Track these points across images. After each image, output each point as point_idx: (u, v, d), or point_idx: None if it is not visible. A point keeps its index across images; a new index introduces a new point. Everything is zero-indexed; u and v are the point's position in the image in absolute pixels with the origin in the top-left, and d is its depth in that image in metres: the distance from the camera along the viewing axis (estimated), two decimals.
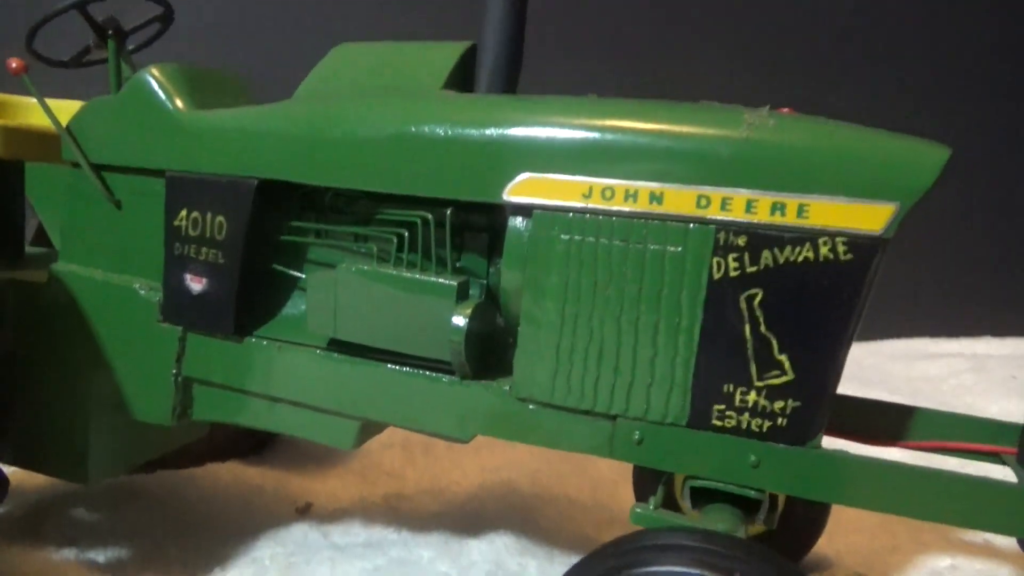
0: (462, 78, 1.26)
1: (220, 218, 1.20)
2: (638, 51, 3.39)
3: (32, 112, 1.62)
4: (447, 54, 1.26)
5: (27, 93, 1.41)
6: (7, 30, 1.57)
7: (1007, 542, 1.55)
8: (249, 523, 1.62)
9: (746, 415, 0.99)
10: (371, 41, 1.34)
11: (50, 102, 1.29)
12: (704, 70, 3.39)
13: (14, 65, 1.23)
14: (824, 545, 1.52)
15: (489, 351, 1.14)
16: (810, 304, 0.95)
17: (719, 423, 1.00)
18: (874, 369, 3.29)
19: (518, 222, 1.08)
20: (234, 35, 3.12)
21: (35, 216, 1.73)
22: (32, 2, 1.40)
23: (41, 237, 1.77)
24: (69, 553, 1.47)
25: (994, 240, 3.81)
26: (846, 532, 1.62)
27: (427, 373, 1.14)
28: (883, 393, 2.85)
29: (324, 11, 3.23)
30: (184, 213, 1.23)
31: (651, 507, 1.02)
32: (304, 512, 1.70)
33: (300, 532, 1.58)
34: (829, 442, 1.22)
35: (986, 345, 3.68)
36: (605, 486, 1.86)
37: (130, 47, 1.45)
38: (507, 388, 1.10)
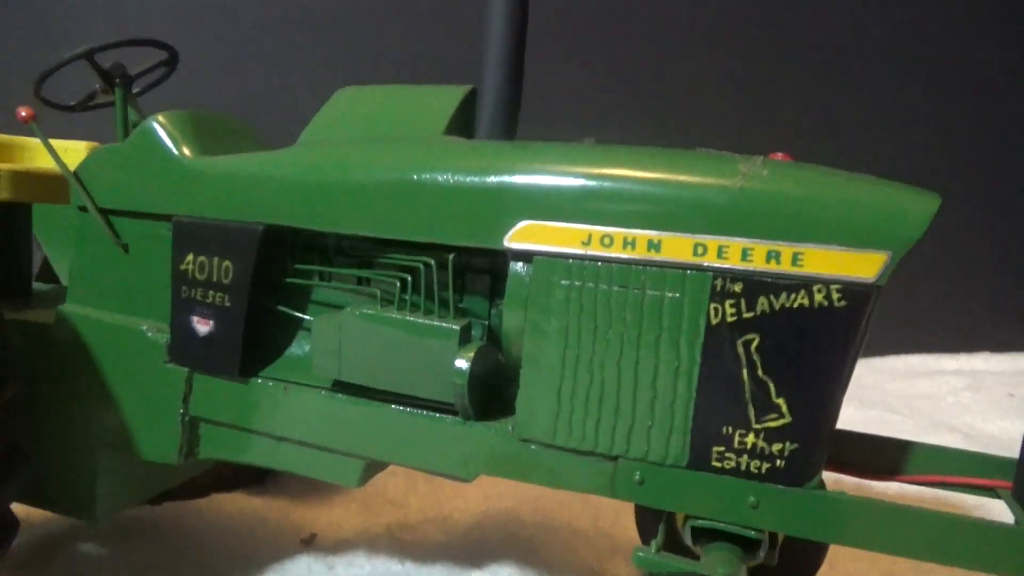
0: (464, 122, 1.29)
1: (227, 263, 1.23)
2: (636, 82, 3.43)
3: (38, 153, 1.65)
4: (448, 98, 1.29)
5: (30, 134, 1.44)
6: (7, 71, 1.60)
7: None
8: (254, 555, 1.63)
9: (745, 457, 1.01)
10: (374, 85, 1.37)
11: (54, 142, 1.32)
12: (703, 101, 3.43)
13: (23, 114, 1.25)
14: (826, 573, 1.53)
15: (492, 391, 1.17)
16: (806, 349, 0.97)
17: (718, 464, 1.02)
18: (873, 388, 3.31)
19: (519, 267, 1.10)
20: (238, 77, 3.16)
21: (40, 250, 1.76)
22: (31, 49, 1.43)
23: (46, 271, 1.79)
24: None
25: (992, 255, 3.84)
26: (846, 560, 1.63)
27: (431, 414, 1.16)
28: (882, 412, 2.88)
29: (327, 54, 3.27)
30: (191, 257, 1.25)
31: (652, 550, 1.04)
32: (308, 543, 1.71)
33: (304, 565, 1.60)
34: (828, 475, 1.24)
35: (984, 361, 3.70)
36: (607, 514, 1.87)
37: (135, 90, 1.47)
38: (510, 429, 1.12)
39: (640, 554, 1.02)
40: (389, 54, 3.28)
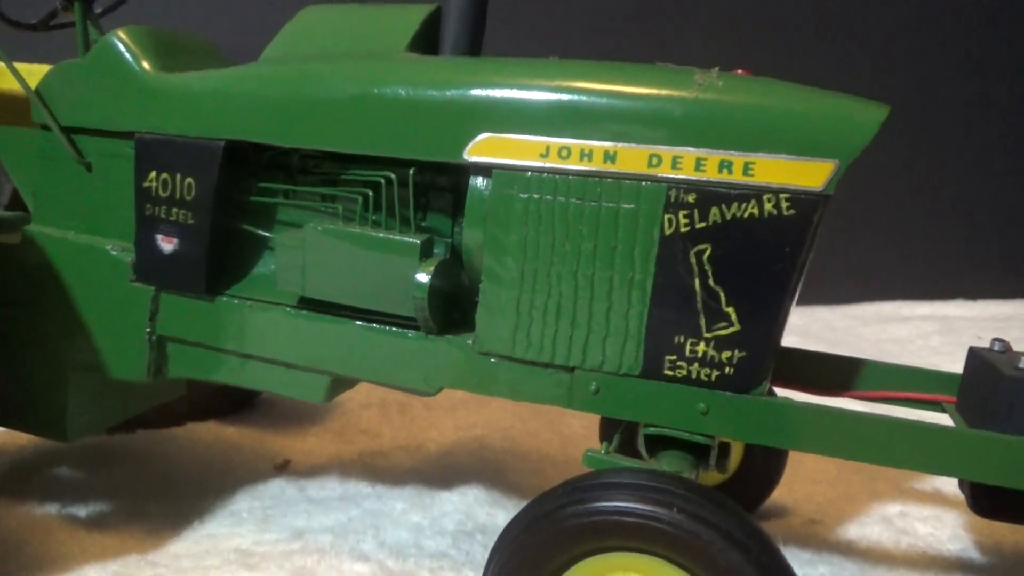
0: (426, 41, 1.28)
1: (189, 179, 1.23)
2: (606, 12, 3.38)
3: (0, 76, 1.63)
4: (411, 17, 1.28)
5: None
6: None
7: (954, 490, 1.62)
8: (228, 479, 1.67)
9: (696, 365, 1.04)
10: (337, 3, 1.35)
11: (18, 66, 1.30)
12: (675, 34, 3.39)
13: None
14: (783, 494, 1.59)
15: (453, 308, 1.18)
16: (756, 258, 0.99)
17: (670, 373, 1.05)
18: (846, 332, 3.36)
19: (479, 182, 1.11)
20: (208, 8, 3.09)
21: (10, 182, 1.74)
22: None
23: (16, 203, 1.78)
24: (51, 508, 1.51)
25: (966, 203, 3.86)
26: (804, 483, 1.68)
27: (393, 329, 1.18)
28: (850, 353, 2.93)
29: None
30: (154, 175, 1.25)
31: (603, 452, 1.07)
32: (282, 469, 1.75)
33: (277, 487, 1.63)
34: (779, 393, 1.28)
35: (957, 308, 3.75)
36: (575, 441, 1.91)
37: (97, 11, 1.45)
38: (470, 343, 1.14)
39: (590, 454, 1.05)
40: None
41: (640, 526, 0.84)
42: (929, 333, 3.27)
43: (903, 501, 1.59)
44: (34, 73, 1.50)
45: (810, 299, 3.63)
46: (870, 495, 1.62)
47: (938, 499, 1.61)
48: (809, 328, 3.34)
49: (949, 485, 1.65)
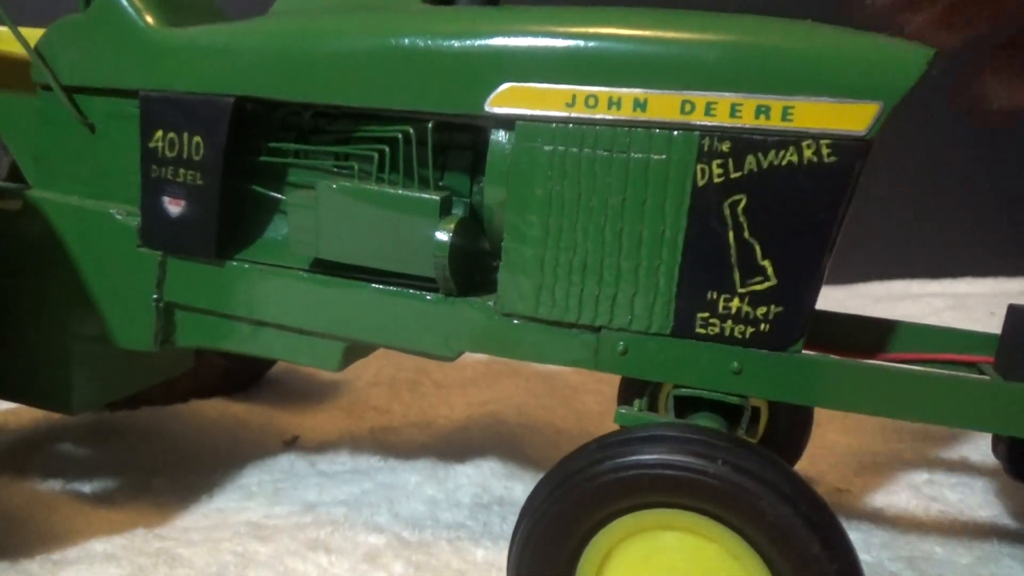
0: None
1: (197, 138, 1.18)
2: None
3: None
4: None
5: None
6: None
7: (982, 458, 1.59)
8: (236, 454, 1.63)
9: (729, 322, 0.99)
10: None
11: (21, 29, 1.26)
12: None
13: None
14: (807, 465, 1.55)
15: (474, 270, 1.14)
16: (794, 208, 0.95)
17: (702, 331, 1.00)
18: (857, 310, 3.31)
19: (500, 135, 1.07)
20: None
21: (8, 155, 1.69)
22: None
23: (14, 175, 1.73)
24: (55, 484, 1.47)
25: (977, 181, 3.83)
26: (827, 452, 1.65)
27: (412, 291, 1.13)
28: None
29: None
30: (160, 134, 1.20)
31: (635, 409, 1.03)
32: (291, 444, 1.71)
33: (287, 462, 1.59)
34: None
35: (967, 285, 3.72)
36: (591, 417, 1.88)
37: None
38: (492, 304, 1.10)
39: (623, 411, 1.01)
40: None
41: (683, 479, 0.80)
42: (941, 310, 3.24)
43: (930, 469, 1.55)
44: (33, 35, 1.45)
45: None
46: (896, 464, 1.58)
47: (966, 466, 1.58)
48: (821, 308, 3.31)
49: (976, 453, 1.61)
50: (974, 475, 1.53)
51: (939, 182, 3.77)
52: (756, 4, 1.14)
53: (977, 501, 1.43)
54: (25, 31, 1.33)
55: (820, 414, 1.52)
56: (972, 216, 3.85)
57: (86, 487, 1.48)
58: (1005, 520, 1.38)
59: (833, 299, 3.79)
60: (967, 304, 3.28)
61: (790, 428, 1.42)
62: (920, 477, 1.52)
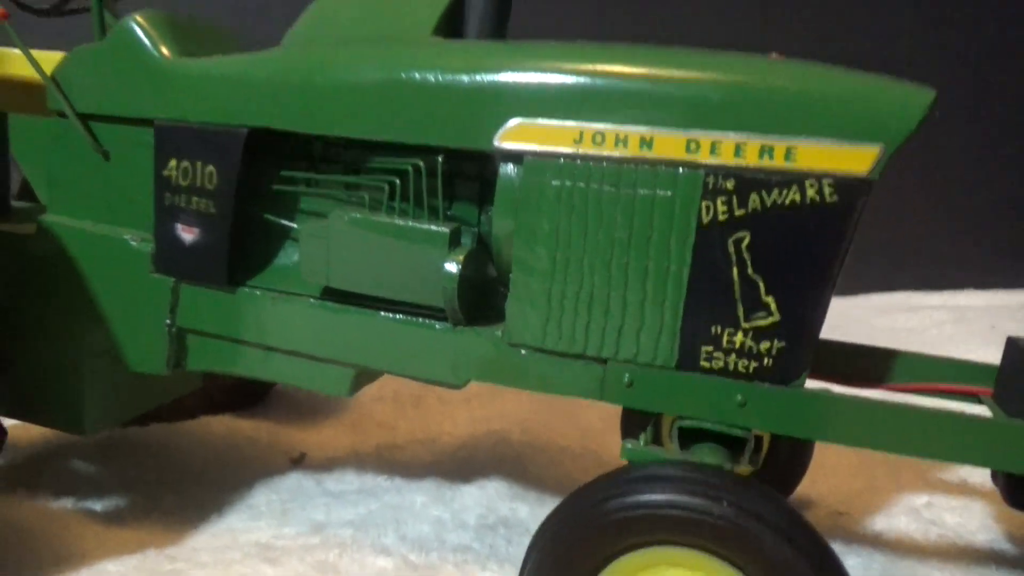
0: (452, 24, 1.25)
1: (210, 168, 1.20)
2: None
3: (14, 62, 1.60)
4: (437, 0, 1.25)
5: (7, 44, 1.39)
6: None
7: (981, 480, 1.61)
8: (244, 472, 1.65)
9: (733, 356, 1.01)
10: None
11: (33, 53, 1.28)
12: (699, 20, 3.37)
13: None
14: (807, 487, 1.57)
15: (482, 299, 1.16)
16: (796, 246, 0.97)
17: (707, 364, 1.02)
18: (858, 322, 3.34)
19: (509, 169, 1.09)
20: None
21: (19, 172, 1.72)
22: None
23: (25, 193, 1.75)
24: (67, 502, 1.49)
25: (977, 194, 3.85)
26: (827, 475, 1.66)
27: (420, 320, 1.15)
28: (867, 343, 2.92)
29: None
30: (174, 163, 1.22)
31: (641, 443, 1.05)
32: (298, 462, 1.73)
33: (294, 480, 1.61)
34: (813, 385, 1.25)
35: (968, 297, 3.74)
36: (594, 435, 1.89)
37: None
38: (499, 334, 1.12)
39: (628, 447, 1.03)
40: None
41: (689, 520, 0.82)
42: (942, 322, 3.26)
43: (929, 492, 1.57)
44: (48, 60, 1.47)
45: None
46: (895, 487, 1.60)
47: (965, 490, 1.59)
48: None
49: (975, 476, 1.63)
50: (973, 498, 1.55)
51: (942, 194, 3.80)
52: (766, 39, 1.16)
53: (976, 525, 1.45)
54: (38, 54, 1.35)
55: None
56: (974, 228, 3.87)
57: (97, 504, 1.50)
58: (1003, 545, 1.40)
59: (835, 310, 3.78)
60: (967, 317, 3.30)
61: (792, 454, 1.44)
62: (919, 500, 1.54)
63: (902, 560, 1.34)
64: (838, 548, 1.36)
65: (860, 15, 3.61)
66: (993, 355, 1.32)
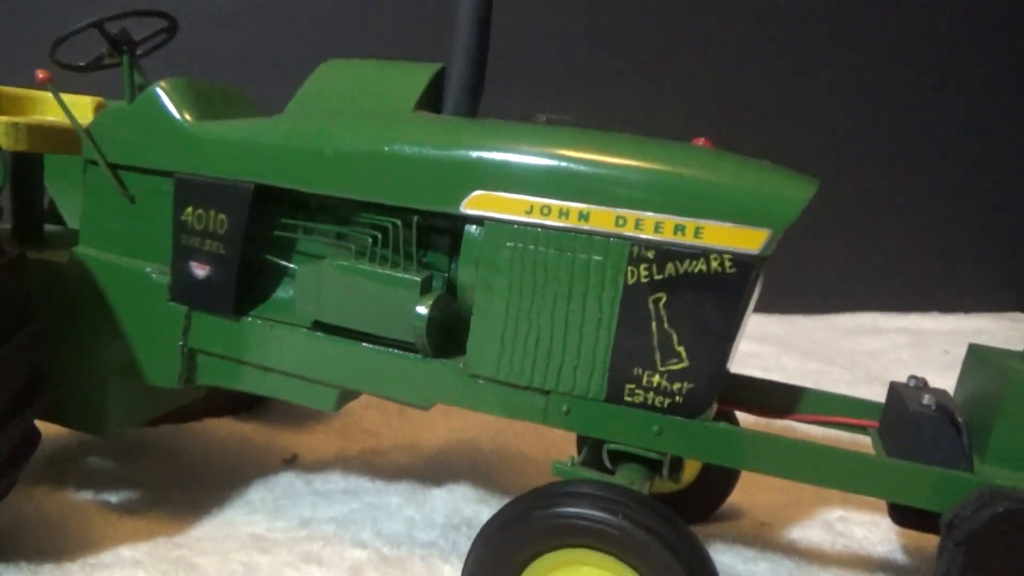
0: (433, 96, 1.46)
1: (222, 216, 1.41)
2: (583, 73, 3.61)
3: (48, 105, 1.80)
4: (420, 75, 1.46)
5: (37, 87, 1.58)
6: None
7: None
8: (242, 471, 1.86)
9: (651, 393, 1.22)
10: (356, 58, 1.53)
11: (65, 96, 1.47)
12: (652, 96, 3.62)
13: (40, 76, 1.41)
14: (741, 498, 1.78)
15: (448, 334, 1.37)
16: (702, 306, 1.18)
17: (630, 399, 1.24)
18: (823, 343, 3.54)
19: (472, 230, 1.30)
20: (233, 41, 3.27)
21: (47, 193, 1.92)
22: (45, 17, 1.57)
23: (52, 213, 1.96)
24: (87, 495, 1.70)
25: (944, 218, 4.03)
26: (760, 488, 1.87)
27: (395, 351, 1.36)
28: (823, 364, 3.12)
29: (315, 25, 3.42)
30: (190, 210, 1.43)
31: (569, 463, 1.26)
32: (290, 463, 1.94)
33: (287, 480, 1.82)
34: (738, 415, 1.47)
35: (931, 321, 3.93)
36: (557, 445, 2.10)
37: (139, 52, 1.63)
38: (461, 366, 1.33)
39: (558, 465, 1.25)
40: (375, 27, 3.45)
41: (593, 529, 1.03)
42: (900, 346, 3.46)
43: (845, 507, 1.78)
44: (81, 105, 1.68)
45: (792, 308, 3.83)
46: (817, 501, 1.81)
47: (878, 506, 1.79)
48: (789, 337, 3.52)
49: None
50: (883, 514, 1.75)
51: (910, 217, 3.98)
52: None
53: (879, 538, 1.66)
54: (72, 99, 1.55)
55: None
56: (941, 252, 4.06)
57: (113, 497, 1.71)
58: (897, 555, 1.61)
59: (803, 330, 3.99)
60: (926, 342, 3.50)
61: (721, 472, 1.65)
62: (835, 514, 1.75)
63: (808, 566, 1.55)
64: (754, 554, 1.58)
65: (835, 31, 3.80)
66: (942, 379, 1.50)
